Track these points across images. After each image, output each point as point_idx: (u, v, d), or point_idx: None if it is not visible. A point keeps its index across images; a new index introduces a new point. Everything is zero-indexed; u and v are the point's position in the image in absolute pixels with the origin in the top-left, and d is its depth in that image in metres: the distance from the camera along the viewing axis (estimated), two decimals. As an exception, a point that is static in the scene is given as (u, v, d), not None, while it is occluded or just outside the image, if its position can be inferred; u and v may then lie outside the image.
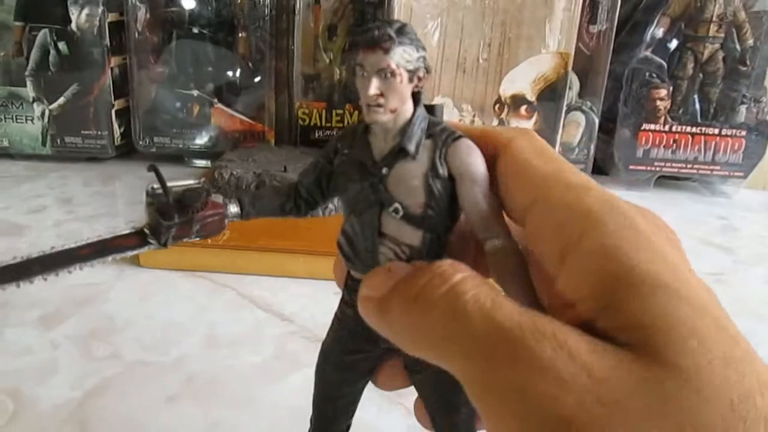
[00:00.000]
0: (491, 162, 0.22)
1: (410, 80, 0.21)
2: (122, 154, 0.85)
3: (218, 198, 0.25)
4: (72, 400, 0.40)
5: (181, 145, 0.83)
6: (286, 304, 0.51)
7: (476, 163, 0.22)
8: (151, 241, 0.25)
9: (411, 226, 0.22)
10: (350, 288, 0.26)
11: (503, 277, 0.22)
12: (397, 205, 0.22)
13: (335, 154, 0.24)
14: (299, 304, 0.51)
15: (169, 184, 0.25)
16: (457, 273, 0.18)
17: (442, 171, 0.22)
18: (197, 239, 0.25)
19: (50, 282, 0.45)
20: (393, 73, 0.21)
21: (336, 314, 0.27)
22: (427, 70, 0.22)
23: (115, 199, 0.74)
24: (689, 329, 0.15)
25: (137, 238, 0.25)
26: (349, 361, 0.27)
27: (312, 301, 0.51)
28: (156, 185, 0.24)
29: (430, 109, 0.23)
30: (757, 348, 0.52)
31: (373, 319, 0.21)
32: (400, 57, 0.21)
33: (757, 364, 0.15)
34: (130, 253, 0.25)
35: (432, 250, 0.23)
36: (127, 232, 0.25)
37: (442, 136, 0.22)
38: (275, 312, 0.50)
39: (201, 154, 0.83)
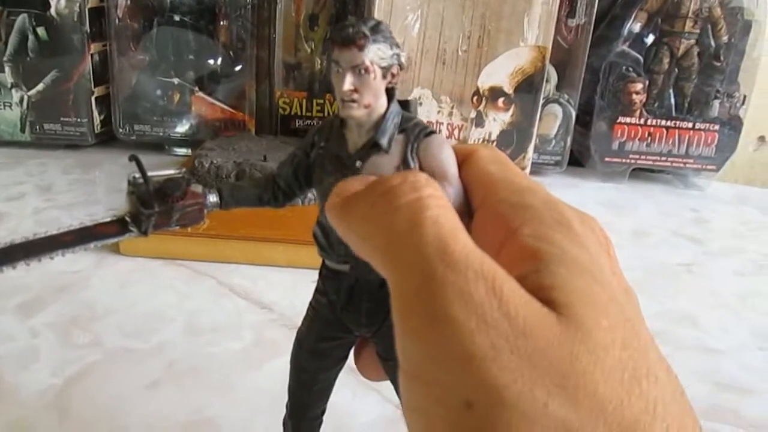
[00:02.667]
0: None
1: (384, 76, 0.22)
2: (102, 141, 0.84)
3: (198, 188, 0.26)
4: (53, 386, 0.40)
5: (161, 133, 0.83)
6: (265, 292, 0.52)
7: (447, 158, 0.22)
8: (132, 229, 0.25)
9: None
10: (324, 277, 0.27)
11: None
12: None
13: (312, 146, 0.25)
14: (279, 292, 0.52)
15: (149, 173, 0.25)
16: (428, 188, 0.18)
17: (414, 165, 0.22)
18: (177, 228, 0.26)
19: (30, 269, 0.46)
20: (367, 70, 0.22)
21: (311, 303, 0.28)
22: (401, 67, 0.23)
23: (95, 187, 0.74)
24: (602, 310, 0.16)
25: (118, 226, 0.25)
26: (323, 348, 0.28)
27: (291, 290, 0.52)
28: (137, 174, 0.25)
29: (404, 104, 0.24)
30: (725, 335, 0.53)
31: (335, 215, 0.20)
32: (374, 54, 0.22)
33: (651, 355, 0.16)
34: (111, 241, 0.26)
35: None
36: (108, 219, 0.25)
37: (414, 131, 0.23)
38: (255, 300, 0.51)
39: (181, 142, 0.83)
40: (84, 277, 0.54)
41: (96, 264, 0.56)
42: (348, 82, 0.22)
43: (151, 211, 0.25)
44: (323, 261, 0.26)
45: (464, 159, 0.22)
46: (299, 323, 0.49)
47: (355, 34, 0.21)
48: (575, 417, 0.14)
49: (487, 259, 0.17)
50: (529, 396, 0.15)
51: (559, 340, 0.15)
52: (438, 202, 0.18)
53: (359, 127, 0.23)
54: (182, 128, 0.83)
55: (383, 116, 0.23)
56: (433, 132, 0.23)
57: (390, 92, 0.23)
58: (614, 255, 0.20)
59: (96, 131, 0.83)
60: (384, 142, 0.23)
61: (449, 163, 0.22)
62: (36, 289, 0.51)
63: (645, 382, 0.15)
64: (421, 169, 0.22)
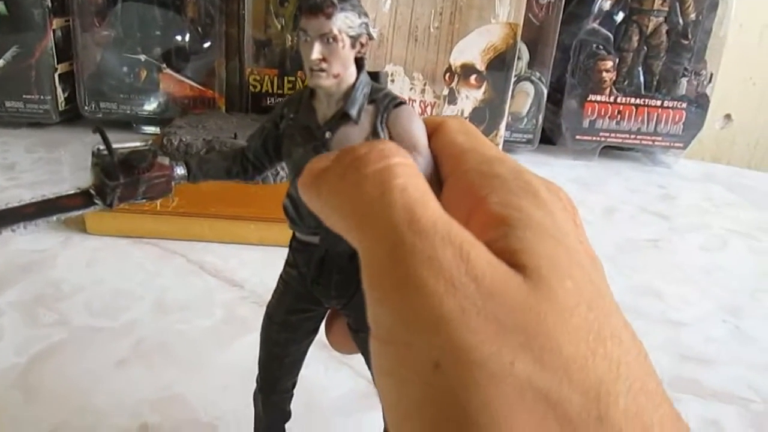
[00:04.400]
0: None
1: (353, 46, 0.22)
2: (67, 119, 0.83)
3: (165, 160, 0.25)
4: (17, 365, 0.40)
5: (128, 111, 0.81)
6: (236, 270, 0.52)
7: (416, 129, 0.22)
8: (97, 201, 0.25)
9: None
10: (294, 249, 0.26)
11: None
12: None
13: (281, 118, 0.25)
14: (249, 270, 0.52)
15: (116, 145, 0.25)
16: (397, 156, 0.18)
17: (383, 136, 0.22)
18: (144, 201, 0.25)
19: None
20: (335, 39, 0.21)
21: (281, 276, 0.28)
22: (370, 37, 0.22)
23: (60, 166, 0.72)
24: (567, 272, 0.16)
25: (83, 198, 0.25)
26: (293, 320, 0.28)
27: (262, 267, 0.52)
28: (102, 146, 0.24)
29: (374, 76, 0.24)
30: (689, 308, 0.54)
31: (306, 191, 0.20)
32: (342, 23, 0.21)
33: (614, 317, 0.16)
34: (75, 213, 0.25)
35: None
36: (72, 192, 0.25)
37: (384, 102, 0.23)
38: (225, 278, 0.51)
39: (149, 120, 0.82)
40: (50, 256, 0.53)
41: (62, 243, 0.55)
42: (316, 51, 0.21)
43: (116, 183, 0.24)
44: (293, 234, 0.26)
45: (433, 130, 0.22)
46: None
47: (322, 2, 0.21)
48: (541, 376, 0.15)
49: (455, 224, 0.17)
50: (497, 356, 0.15)
51: (526, 301, 0.15)
52: (406, 170, 0.18)
53: (328, 98, 0.23)
54: (150, 106, 0.81)
55: (352, 86, 0.23)
56: (402, 102, 0.23)
57: (359, 62, 0.23)
58: (580, 224, 0.20)
59: (60, 109, 0.81)
60: (353, 112, 0.23)
61: (419, 134, 0.22)
62: (1, 266, 0.50)
63: (609, 343, 0.15)
64: (391, 139, 0.22)
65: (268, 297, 0.48)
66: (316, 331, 0.29)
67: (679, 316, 0.51)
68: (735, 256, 0.64)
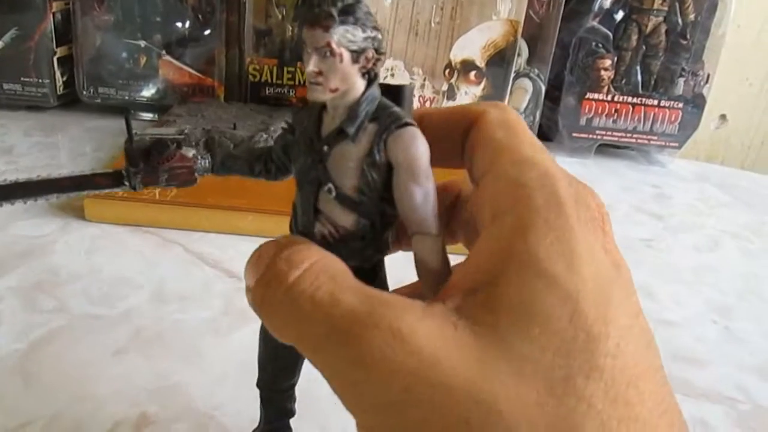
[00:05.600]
0: (464, 136, 0.22)
1: (355, 60, 0.21)
2: (65, 103, 0.82)
3: (189, 151, 0.26)
4: (16, 351, 0.40)
5: (127, 97, 0.81)
6: (234, 260, 0.52)
7: (415, 153, 0.21)
8: (125, 183, 0.26)
9: (343, 207, 0.22)
10: None
11: (421, 273, 0.22)
12: (330, 185, 0.22)
13: (297, 124, 0.24)
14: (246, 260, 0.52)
15: (150, 131, 0.26)
16: (294, 269, 0.19)
17: (380, 157, 0.21)
18: (169, 187, 0.27)
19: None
20: (332, 52, 0.20)
21: None
22: (378, 52, 0.21)
23: (58, 151, 0.72)
24: (543, 318, 0.16)
25: (113, 178, 0.26)
26: None
27: (260, 258, 0.52)
28: (136, 132, 0.26)
29: (397, 90, 0.23)
30: (681, 309, 0.55)
31: (257, 309, 0.21)
32: (341, 36, 0.20)
33: (597, 349, 0.16)
34: (105, 191, 0.27)
35: (367, 235, 0.23)
36: (107, 171, 0.27)
37: (386, 122, 0.21)
38: (223, 269, 0.51)
39: (147, 106, 0.82)
40: (49, 242, 0.53)
41: (61, 229, 0.55)
42: (312, 64, 0.21)
43: (136, 169, 0.26)
44: None
45: (474, 120, 0.22)
46: (268, 292, 0.49)
47: (320, 14, 0.20)
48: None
49: (381, 304, 0.17)
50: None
51: (476, 359, 0.15)
52: (308, 279, 0.19)
53: (334, 111, 0.22)
54: (149, 92, 0.81)
55: (357, 102, 0.22)
56: (408, 124, 0.21)
57: (370, 76, 0.22)
58: (609, 230, 0.20)
59: (58, 93, 0.81)
60: (351, 130, 0.21)
61: (419, 159, 0.21)
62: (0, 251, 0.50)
63: (582, 380, 0.15)
64: (388, 161, 0.21)
65: (266, 288, 0.49)
66: None
67: (670, 315, 0.52)
68: (727, 257, 0.65)
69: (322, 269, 0.19)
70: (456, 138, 0.23)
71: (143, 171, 0.26)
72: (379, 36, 0.21)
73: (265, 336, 0.29)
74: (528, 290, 0.16)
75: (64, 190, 0.26)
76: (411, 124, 0.21)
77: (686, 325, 0.51)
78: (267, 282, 0.19)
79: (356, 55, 0.21)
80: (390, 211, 0.22)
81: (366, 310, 0.17)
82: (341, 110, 0.22)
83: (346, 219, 0.22)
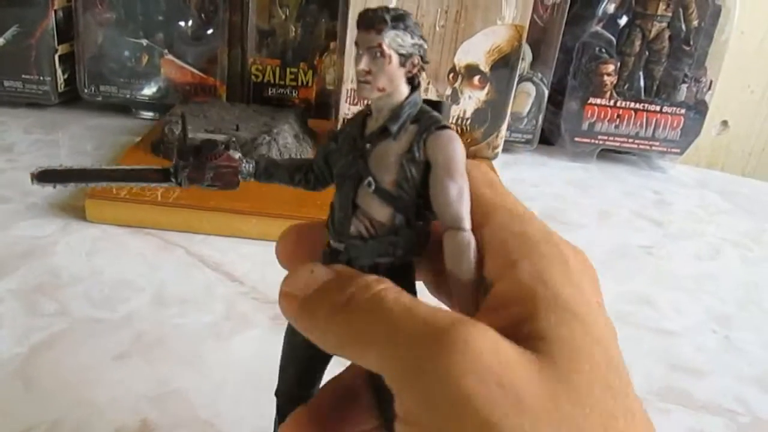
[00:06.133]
0: None
1: (402, 64, 0.23)
2: (66, 101, 0.82)
3: (236, 154, 0.27)
4: (18, 355, 0.40)
5: (128, 96, 0.81)
6: (236, 264, 0.52)
7: (453, 152, 0.22)
8: (172, 179, 0.27)
9: (381, 201, 0.23)
10: (324, 253, 0.26)
11: (451, 271, 0.23)
12: (370, 178, 0.23)
13: (341, 133, 0.26)
14: (250, 265, 0.52)
15: (202, 135, 0.27)
16: (381, 284, 0.20)
17: (419, 155, 0.23)
18: (214, 188, 0.28)
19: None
20: (382, 54, 0.22)
21: None
22: (423, 59, 0.23)
23: (59, 149, 0.72)
24: (586, 355, 0.18)
25: (161, 174, 0.28)
26: None
27: (262, 263, 0.52)
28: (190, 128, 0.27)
29: (435, 105, 0.24)
30: (680, 317, 0.55)
31: (295, 318, 0.22)
32: (392, 39, 0.22)
33: (630, 393, 0.18)
34: (152, 185, 0.30)
35: (400, 230, 0.24)
36: (156, 167, 0.28)
37: (427, 123, 0.23)
38: (225, 272, 0.51)
39: (149, 105, 0.81)
40: (50, 242, 0.53)
41: (62, 229, 0.55)
42: (363, 63, 0.22)
43: (186, 163, 0.27)
44: (328, 240, 0.27)
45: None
46: (270, 296, 0.49)
47: (375, 18, 0.22)
48: None
49: (454, 313, 0.19)
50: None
51: (539, 389, 0.17)
52: (393, 290, 0.20)
53: (378, 113, 0.24)
54: (150, 91, 0.81)
55: (401, 104, 0.23)
56: (447, 127, 0.23)
57: (413, 83, 0.23)
58: (599, 287, 0.21)
59: (59, 90, 0.80)
60: (393, 128, 0.23)
61: (456, 158, 0.22)
62: (1, 252, 0.50)
63: (622, 420, 0.17)
64: (426, 159, 0.23)
65: (268, 293, 0.49)
66: None
67: (669, 324, 0.52)
68: (727, 265, 0.65)
69: (403, 291, 0.20)
70: None
71: (191, 166, 0.27)
72: (425, 45, 0.23)
73: (290, 340, 0.29)
74: (568, 329, 0.18)
75: (114, 180, 0.28)
76: (449, 128, 0.23)
77: (686, 334, 0.51)
78: (349, 292, 0.21)
79: (404, 59, 0.23)
80: (424, 209, 0.23)
81: (446, 314, 0.18)
82: (385, 111, 0.23)
83: (382, 213, 0.23)
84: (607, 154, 0.89)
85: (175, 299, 0.47)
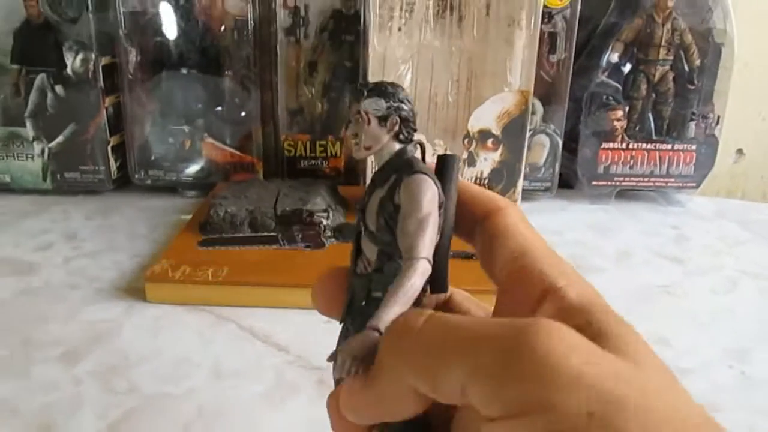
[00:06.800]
0: (481, 219, 0.26)
1: (381, 125, 0.26)
2: (119, 186, 0.90)
3: (319, 219, 0.33)
4: (99, 430, 0.46)
5: (174, 177, 0.88)
6: (282, 334, 0.58)
7: (416, 191, 0.25)
8: (279, 242, 0.32)
9: (370, 242, 0.27)
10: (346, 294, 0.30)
11: (393, 284, 0.24)
12: (362, 225, 0.27)
13: None
14: (293, 333, 0.58)
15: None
16: (428, 312, 0.21)
17: (395, 199, 0.26)
18: (307, 248, 0.32)
19: (67, 321, 0.52)
20: (362, 118, 0.27)
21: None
22: (402, 118, 0.27)
23: (116, 234, 0.79)
24: (649, 355, 0.20)
25: (272, 239, 0.35)
26: None
27: (305, 330, 0.58)
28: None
29: (443, 159, 0.27)
30: (696, 354, 0.57)
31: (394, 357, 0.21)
32: (368, 105, 0.26)
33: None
34: (264, 247, 0.37)
35: (383, 267, 0.26)
36: (269, 234, 0.34)
37: (405, 171, 0.26)
38: (273, 342, 0.57)
39: (194, 185, 0.89)
40: (116, 325, 0.59)
41: (125, 312, 0.61)
42: (349, 128, 0.27)
43: (281, 229, 0.32)
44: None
45: (493, 210, 0.26)
46: (314, 363, 0.54)
47: (355, 90, 0.27)
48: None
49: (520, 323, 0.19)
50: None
51: (633, 378, 0.18)
52: (441, 313, 0.21)
53: (377, 167, 0.28)
54: (194, 172, 0.88)
55: (389, 159, 0.27)
56: (417, 172, 0.25)
57: (401, 139, 0.27)
58: None
59: (113, 177, 0.89)
60: (378, 179, 0.27)
61: (417, 197, 0.25)
62: (75, 339, 0.57)
63: (696, 406, 0.19)
64: (399, 202, 0.25)
65: (312, 359, 0.54)
66: None
67: (685, 362, 0.55)
68: (744, 298, 0.67)
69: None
70: (470, 218, 0.27)
71: (284, 232, 0.32)
72: (404, 106, 0.27)
73: None
74: (626, 329, 0.20)
75: (238, 244, 0.37)
76: (422, 173, 0.25)
77: (702, 371, 0.54)
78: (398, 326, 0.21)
79: (382, 119, 0.26)
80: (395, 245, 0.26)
81: (521, 323, 0.19)
82: (379, 166, 0.27)
83: (371, 252, 0.27)
84: (626, 192, 0.92)
85: (230, 372, 0.53)
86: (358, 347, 0.23)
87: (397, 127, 0.27)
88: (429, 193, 0.25)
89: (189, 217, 0.77)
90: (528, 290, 0.22)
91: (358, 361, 0.23)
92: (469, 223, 0.27)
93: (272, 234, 0.33)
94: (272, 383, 0.52)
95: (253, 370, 0.53)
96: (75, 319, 0.60)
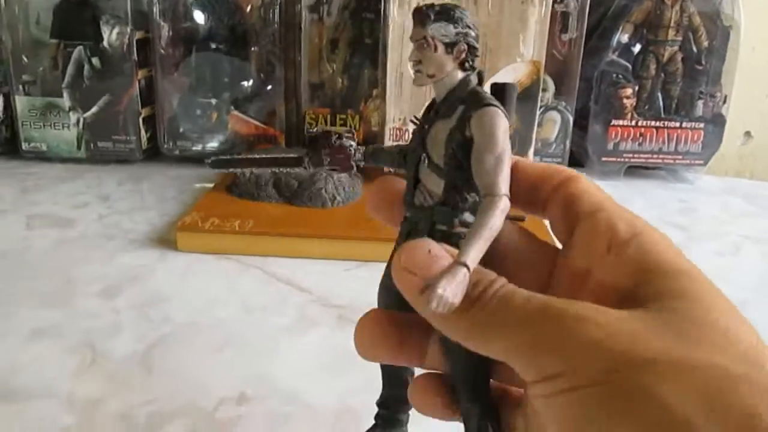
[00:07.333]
0: (553, 189, 0.26)
1: (447, 52, 0.25)
2: (149, 156, 0.95)
3: (347, 143, 0.32)
4: (137, 351, 0.50)
5: (201, 148, 0.93)
6: (303, 279, 0.61)
7: (491, 126, 0.24)
8: (303, 165, 0.33)
9: (434, 174, 0.26)
10: (402, 224, 0.29)
11: (477, 218, 0.24)
12: (425, 154, 0.26)
13: (420, 118, 0.28)
14: (315, 279, 0.61)
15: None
16: (501, 281, 0.23)
17: (464, 132, 0.24)
18: (335, 171, 0.33)
19: (105, 263, 0.56)
20: (428, 44, 0.25)
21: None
22: (470, 45, 0.25)
23: (146, 196, 0.84)
24: (711, 306, 0.22)
25: (296, 160, 0.34)
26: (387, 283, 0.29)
27: (325, 277, 0.61)
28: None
29: (501, 88, 0.27)
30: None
31: (414, 300, 0.23)
32: (435, 31, 0.25)
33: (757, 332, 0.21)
34: (289, 169, 0.36)
35: (450, 201, 0.26)
36: (293, 155, 0.34)
37: (473, 102, 0.24)
38: (295, 285, 0.60)
39: (220, 155, 0.93)
40: (150, 269, 0.63)
41: (158, 258, 0.65)
42: (412, 54, 0.25)
43: (308, 152, 0.33)
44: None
45: (567, 179, 0.27)
46: (334, 302, 0.58)
47: (421, 14, 0.25)
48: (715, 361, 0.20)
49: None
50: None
51: (664, 332, 0.20)
52: (511, 285, 0.23)
53: (438, 97, 0.26)
54: (220, 143, 0.93)
55: (453, 88, 0.25)
56: (490, 104, 0.24)
57: (465, 68, 0.25)
58: None
59: (143, 147, 0.93)
60: (444, 109, 0.25)
61: (494, 132, 0.24)
62: (113, 278, 0.61)
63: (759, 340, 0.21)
64: (471, 135, 0.24)
65: (332, 299, 0.58)
66: None
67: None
68: (746, 259, 0.70)
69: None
70: (543, 189, 0.27)
71: (312, 154, 0.32)
72: (473, 33, 0.25)
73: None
74: (680, 284, 0.23)
75: (259, 165, 0.37)
76: (493, 105, 0.24)
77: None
78: (479, 291, 0.23)
79: (449, 47, 0.25)
80: (470, 181, 0.25)
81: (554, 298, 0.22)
82: (441, 95, 0.26)
83: (436, 185, 0.26)
84: (636, 170, 0.95)
85: (256, 307, 0.57)
86: (449, 283, 0.22)
87: (463, 55, 0.25)
88: (503, 126, 0.24)
89: (212, 185, 0.81)
90: (600, 240, 0.24)
91: (450, 295, 0.22)
92: (543, 194, 0.27)
93: (295, 156, 0.35)
94: (295, 317, 0.55)
95: (277, 306, 0.57)
96: (112, 263, 0.65)
